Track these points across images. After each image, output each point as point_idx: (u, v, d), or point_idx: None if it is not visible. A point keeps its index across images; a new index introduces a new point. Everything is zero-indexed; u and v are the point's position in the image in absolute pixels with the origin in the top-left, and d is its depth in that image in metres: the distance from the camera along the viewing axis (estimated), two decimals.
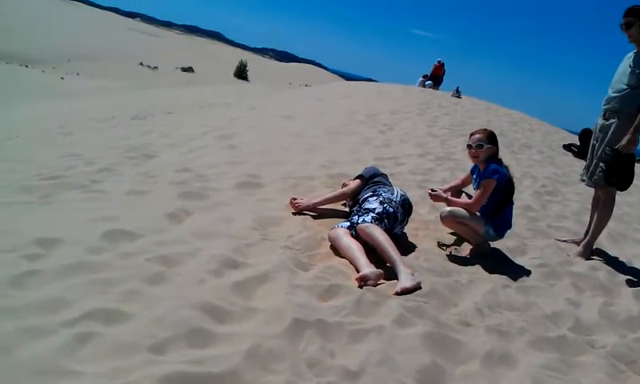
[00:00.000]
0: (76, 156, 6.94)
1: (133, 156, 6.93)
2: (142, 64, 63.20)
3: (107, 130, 11.21)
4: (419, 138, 10.25)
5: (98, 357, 2.48)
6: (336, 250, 4.19)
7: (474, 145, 4.89)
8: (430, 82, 24.76)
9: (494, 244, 5.03)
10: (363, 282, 3.67)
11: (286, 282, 3.49)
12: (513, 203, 4.94)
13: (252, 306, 3.15)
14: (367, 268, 3.78)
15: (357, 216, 4.47)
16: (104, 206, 4.64)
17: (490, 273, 4.44)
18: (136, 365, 2.43)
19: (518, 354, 3.28)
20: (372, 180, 5.05)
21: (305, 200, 5.04)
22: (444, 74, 25.86)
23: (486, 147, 4.85)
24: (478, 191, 4.73)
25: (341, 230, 4.27)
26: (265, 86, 35.08)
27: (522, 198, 7.28)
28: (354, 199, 4.99)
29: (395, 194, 4.78)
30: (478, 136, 4.93)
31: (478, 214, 4.74)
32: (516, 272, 4.62)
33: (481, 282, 4.21)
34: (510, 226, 4.95)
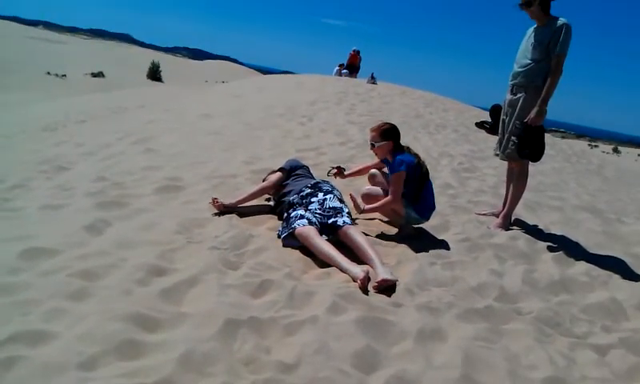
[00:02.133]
0: None
1: (45, 169, 6.62)
2: (49, 73, 60.22)
3: (16, 144, 10.65)
4: (339, 127, 10.35)
5: (26, 380, 2.38)
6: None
7: (371, 144, 5.03)
8: (346, 70, 25.02)
9: (420, 225, 5.15)
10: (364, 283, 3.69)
11: (216, 282, 3.45)
12: (431, 185, 5.06)
13: (182, 311, 3.10)
14: (358, 268, 3.82)
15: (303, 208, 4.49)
16: (18, 224, 4.42)
17: (417, 252, 4.54)
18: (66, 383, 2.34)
19: (448, 328, 3.38)
20: (294, 172, 5.06)
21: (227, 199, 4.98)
22: (360, 61, 26.18)
23: (378, 145, 4.95)
24: (391, 187, 4.79)
25: (311, 230, 4.20)
26: (180, 86, 34.40)
27: (441, 176, 7.50)
28: (278, 192, 4.97)
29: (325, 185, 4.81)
30: (370, 135, 5.03)
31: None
32: (441, 249, 4.75)
33: (408, 261, 4.30)
34: (433, 207, 5.08)
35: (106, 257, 3.72)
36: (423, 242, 4.86)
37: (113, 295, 3.17)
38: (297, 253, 4.13)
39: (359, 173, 5.46)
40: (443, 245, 4.89)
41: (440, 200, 6.18)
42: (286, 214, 4.54)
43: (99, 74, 58.69)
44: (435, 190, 6.33)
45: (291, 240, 4.23)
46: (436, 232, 5.21)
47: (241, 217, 4.81)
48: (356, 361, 2.83)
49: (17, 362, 2.49)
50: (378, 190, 5.14)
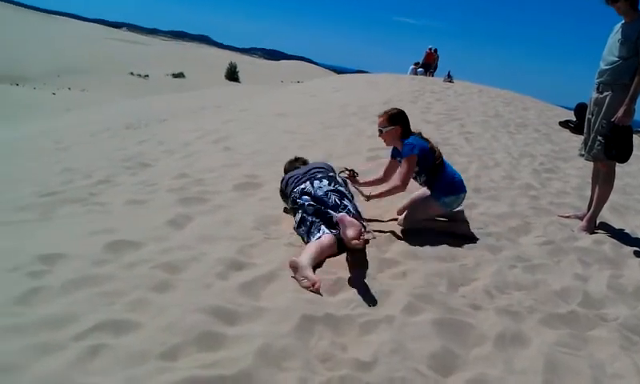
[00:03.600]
0: (73, 170, 6.93)
1: (130, 166, 6.91)
2: (132, 73, 63.03)
3: (102, 142, 11.16)
4: (414, 126, 10.20)
5: (110, 368, 2.47)
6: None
7: (379, 130, 4.84)
8: (421, 69, 24.71)
9: (494, 225, 5.01)
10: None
11: (293, 279, 3.48)
12: (449, 165, 4.88)
13: (260, 305, 3.14)
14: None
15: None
16: (104, 218, 4.63)
17: (496, 254, 4.42)
18: (148, 373, 2.42)
19: (530, 333, 3.27)
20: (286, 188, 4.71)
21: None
22: (437, 60, 25.80)
23: (387, 130, 4.77)
24: (401, 168, 4.62)
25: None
26: (256, 86, 35.03)
27: (521, 176, 7.26)
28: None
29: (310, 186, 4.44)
30: (378, 121, 4.84)
31: (428, 197, 4.74)
32: (521, 251, 4.60)
33: (487, 264, 4.20)
34: (460, 181, 4.84)
35: (188, 251, 3.83)
36: (502, 243, 4.72)
37: (194, 288, 3.27)
38: (372, 251, 4.11)
39: (377, 182, 5.02)
40: (524, 247, 4.73)
41: (521, 201, 5.99)
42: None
43: (179, 75, 60.64)
44: (515, 191, 6.16)
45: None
46: (516, 234, 5.05)
47: None
48: (433, 362, 2.79)
49: (102, 349, 2.60)
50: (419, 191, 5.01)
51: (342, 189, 4.46)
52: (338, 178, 4.65)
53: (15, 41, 77.53)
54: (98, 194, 5.49)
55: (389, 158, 5.04)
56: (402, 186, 4.57)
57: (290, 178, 4.69)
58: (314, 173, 4.58)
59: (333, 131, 9.24)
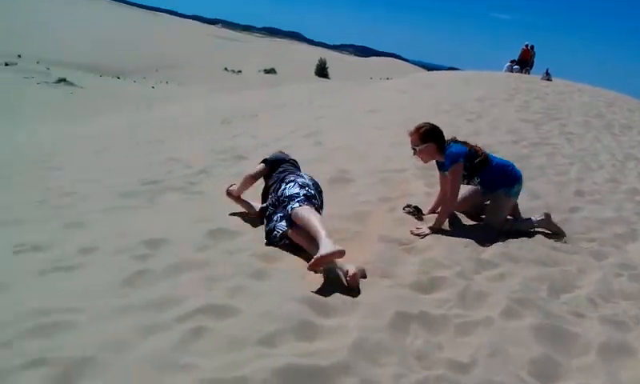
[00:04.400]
0: (174, 160, 7.21)
1: (225, 158, 7.11)
2: (226, 69, 64.92)
3: (199, 134, 11.57)
4: (510, 124, 9.90)
5: (211, 350, 2.55)
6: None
7: (412, 148, 4.62)
8: (517, 66, 23.87)
9: (598, 230, 4.76)
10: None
11: (386, 274, 3.46)
12: (496, 158, 4.70)
13: (354, 299, 3.14)
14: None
15: (282, 207, 3.99)
16: (203, 207, 4.78)
17: (600, 261, 4.20)
18: (248, 357, 2.48)
19: (636, 343, 3.10)
20: (279, 166, 4.59)
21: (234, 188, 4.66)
22: (533, 57, 24.83)
23: (421, 149, 4.56)
24: (449, 185, 4.45)
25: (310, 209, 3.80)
26: (346, 82, 35.15)
27: (627, 181, 6.86)
28: (266, 188, 4.54)
29: (307, 179, 4.27)
30: (411, 139, 4.61)
31: (498, 196, 4.58)
32: (628, 259, 4.36)
33: (591, 270, 4.00)
34: (513, 166, 4.70)
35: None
36: (607, 250, 4.48)
37: (290, 278, 3.32)
38: (467, 251, 4.02)
39: (438, 203, 4.83)
40: (630, 255, 4.47)
41: (626, 206, 5.67)
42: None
43: (271, 71, 61.73)
44: (620, 195, 5.85)
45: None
46: (622, 241, 4.78)
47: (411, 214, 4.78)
48: (533, 369, 2.69)
49: (203, 332, 2.69)
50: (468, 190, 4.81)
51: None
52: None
53: (117, 36, 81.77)
54: (197, 183, 5.70)
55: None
56: (454, 200, 4.46)
57: (282, 160, 4.67)
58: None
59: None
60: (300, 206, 3.75)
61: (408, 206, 4.79)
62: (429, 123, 4.64)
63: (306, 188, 4.04)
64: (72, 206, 5.59)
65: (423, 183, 5.55)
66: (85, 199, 5.78)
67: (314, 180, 4.31)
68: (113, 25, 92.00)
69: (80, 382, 2.33)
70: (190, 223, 4.27)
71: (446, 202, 4.50)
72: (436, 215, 4.52)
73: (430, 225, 4.38)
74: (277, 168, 4.53)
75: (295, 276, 3.35)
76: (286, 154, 4.89)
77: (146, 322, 2.81)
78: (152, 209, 4.93)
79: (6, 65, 40.11)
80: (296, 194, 3.94)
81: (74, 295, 3.16)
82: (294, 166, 4.71)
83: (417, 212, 4.74)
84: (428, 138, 4.52)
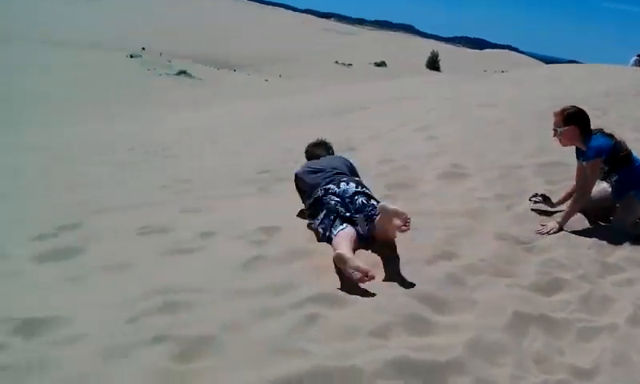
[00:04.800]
0: (287, 150, 7.39)
1: (337, 149, 7.16)
2: (337, 62, 65.37)
3: (311, 125, 11.77)
4: (638, 121, 9.22)
5: (324, 338, 2.60)
6: None
7: (553, 129, 4.38)
8: None
9: None
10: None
11: (503, 273, 3.35)
12: (637, 158, 4.30)
13: (469, 296, 3.08)
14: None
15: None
16: None
17: None
18: (360, 348, 2.51)
19: None
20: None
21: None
22: None
23: (562, 130, 4.28)
24: (588, 176, 4.19)
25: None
26: (458, 75, 34.31)
27: None
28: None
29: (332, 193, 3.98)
30: (554, 120, 4.37)
31: (630, 199, 4.23)
32: None
33: None
34: None
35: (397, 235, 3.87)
36: None
37: (403, 271, 3.30)
38: (591, 253, 3.81)
39: (570, 195, 4.56)
40: None
41: None
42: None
43: (382, 64, 61.42)
44: None
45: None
46: None
47: (527, 212, 4.60)
48: None
49: (317, 319, 2.75)
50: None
51: (368, 191, 4.08)
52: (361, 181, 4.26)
53: (232, 30, 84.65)
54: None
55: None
56: (587, 194, 4.23)
57: (309, 171, 4.33)
58: (339, 177, 4.15)
59: (543, 123, 8.69)
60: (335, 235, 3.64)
61: (535, 195, 4.60)
62: (575, 106, 4.47)
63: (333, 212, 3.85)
64: (191, 191, 5.89)
65: (543, 180, 5.31)
66: (203, 186, 6.08)
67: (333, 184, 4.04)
68: (230, 19, 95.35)
69: (200, 360, 2.45)
70: (301, 212, 4.36)
71: (578, 195, 4.28)
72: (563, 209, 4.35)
73: (558, 220, 4.20)
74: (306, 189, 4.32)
75: (409, 271, 3.32)
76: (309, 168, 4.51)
77: (262, 306, 2.91)
78: (266, 197, 5.10)
79: (131, 57, 42.68)
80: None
81: (194, 276, 3.34)
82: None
83: (545, 201, 4.55)
84: (571, 120, 4.35)
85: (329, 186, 4.02)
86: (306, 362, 2.37)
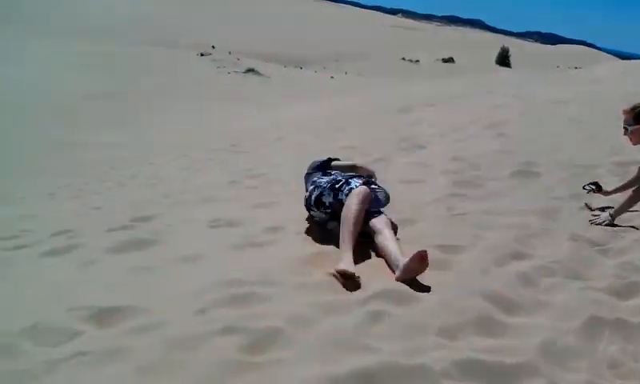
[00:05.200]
0: (352, 148, 7.40)
1: (404, 147, 7.14)
2: (404, 59, 64.86)
3: (376, 123, 11.72)
4: None
5: (390, 335, 2.59)
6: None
7: (623, 127, 4.18)
8: None
9: None
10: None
11: (577, 275, 3.25)
12: None
13: (541, 298, 2.99)
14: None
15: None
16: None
17: None
18: (427, 346, 2.48)
19: None
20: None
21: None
22: None
23: (633, 129, 4.08)
24: None
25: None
26: (530, 72, 33.35)
27: None
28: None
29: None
30: (624, 118, 4.15)
31: None
32: None
33: None
34: None
35: (463, 233, 3.82)
36: None
37: (471, 271, 3.25)
38: None
39: (624, 188, 4.43)
40: None
41: None
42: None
43: (449, 60, 60.53)
44: None
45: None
46: None
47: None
48: None
49: (383, 316, 2.74)
50: None
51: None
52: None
53: (301, 28, 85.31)
54: (377, 172, 5.78)
55: None
56: None
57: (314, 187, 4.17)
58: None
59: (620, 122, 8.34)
60: None
61: (589, 183, 4.50)
62: None
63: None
64: (259, 187, 6.00)
65: (618, 180, 5.11)
66: (270, 182, 6.17)
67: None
68: (297, 17, 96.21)
69: (268, 352, 2.49)
70: None
71: (632, 195, 4.10)
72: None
73: (611, 211, 4.09)
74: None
75: (477, 269, 3.27)
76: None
77: (328, 301, 2.93)
78: None
79: (202, 55, 43.77)
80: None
81: (264, 270, 3.40)
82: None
83: (597, 188, 4.45)
84: None
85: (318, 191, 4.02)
86: (374, 359, 2.37)
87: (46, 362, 2.51)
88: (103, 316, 2.94)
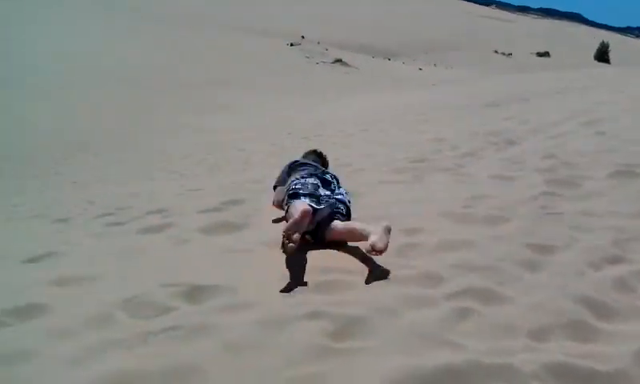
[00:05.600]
0: (440, 141, 7.28)
1: (495, 142, 6.94)
2: (496, 51, 63.06)
3: (464, 116, 11.48)
4: None
5: (477, 333, 2.54)
6: None
7: None
8: None
9: None
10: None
11: None
12: None
13: (638, 305, 2.83)
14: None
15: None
16: (471, 189, 4.76)
17: None
18: (516, 348, 2.41)
19: None
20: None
21: None
22: None
23: None
24: None
25: None
26: (632, 68, 31.54)
27: None
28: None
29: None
30: None
31: None
32: None
33: None
34: None
35: (559, 234, 3.67)
36: None
37: (565, 273, 3.12)
38: None
39: None
40: None
41: None
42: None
43: (545, 54, 58.33)
44: None
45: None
46: None
47: None
48: None
49: (470, 314, 2.69)
50: None
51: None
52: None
53: (391, 18, 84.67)
54: (464, 166, 5.67)
55: None
56: None
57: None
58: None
59: None
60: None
61: None
62: None
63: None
64: (348, 176, 6.01)
65: None
66: (359, 171, 6.17)
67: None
68: (386, 7, 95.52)
69: (352, 340, 2.51)
70: (456, 203, 4.28)
71: None
72: None
73: None
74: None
75: (572, 272, 3.13)
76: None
77: (414, 294, 2.91)
78: (420, 185, 5.07)
79: (291, 45, 44.40)
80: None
81: (350, 259, 3.42)
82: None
83: None
84: None
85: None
86: (459, 356, 2.33)
87: (139, 334, 2.64)
88: (195, 293, 3.07)
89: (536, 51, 62.88)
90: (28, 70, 25.93)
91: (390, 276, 3.13)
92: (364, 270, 3.23)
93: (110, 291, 3.19)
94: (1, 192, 9.78)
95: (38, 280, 3.51)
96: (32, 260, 4.11)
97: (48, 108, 20.03)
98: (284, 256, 3.53)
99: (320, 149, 4.99)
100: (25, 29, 35.19)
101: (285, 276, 3.22)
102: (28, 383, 2.36)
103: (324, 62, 36.94)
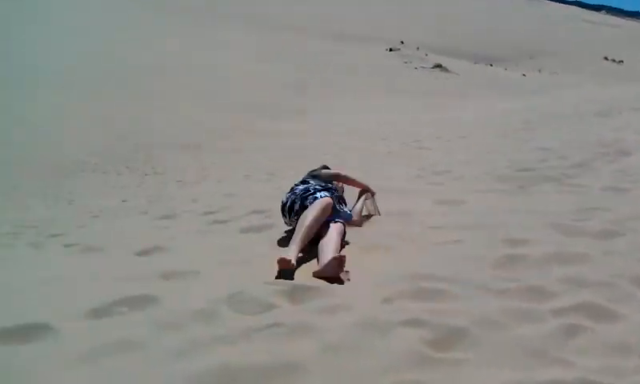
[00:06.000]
0: (546, 150, 7.00)
1: (606, 152, 6.58)
2: (606, 58, 59.77)
3: (571, 125, 10.96)
4: None
5: (587, 351, 2.40)
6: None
7: None
8: None
9: None
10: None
11: None
12: None
13: None
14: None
15: None
16: (582, 201, 4.52)
17: None
18: (630, 368, 2.26)
19: None
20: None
21: None
22: None
23: None
24: None
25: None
26: None
27: None
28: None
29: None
30: None
31: None
32: None
33: None
34: None
35: None
36: None
37: None
38: None
39: None
40: None
41: None
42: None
43: None
44: None
45: None
46: None
47: None
48: None
49: (580, 331, 2.54)
50: None
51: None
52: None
53: (495, 24, 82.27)
54: (574, 177, 5.41)
55: None
56: None
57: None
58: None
59: None
60: None
61: None
62: None
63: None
64: (444, 183, 5.90)
65: None
66: (457, 179, 6.04)
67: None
68: (489, 11, 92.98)
69: (452, 350, 2.44)
70: (566, 215, 4.08)
71: None
72: None
73: None
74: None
75: None
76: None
77: (518, 307, 2.80)
78: (524, 195, 4.88)
79: (390, 50, 44.25)
80: None
81: (449, 267, 3.35)
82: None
83: None
84: None
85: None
86: (568, 373, 2.21)
87: (243, 330, 2.71)
88: (296, 293, 3.11)
89: None
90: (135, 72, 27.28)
91: (492, 287, 3.03)
92: (464, 280, 3.15)
93: (215, 287, 3.30)
94: (100, 188, 10.32)
95: (148, 272, 3.68)
96: (142, 253, 4.33)
97: (158, 109, 20.99)
98: (378, 260, 3.51)
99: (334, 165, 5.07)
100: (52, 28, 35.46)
101: (384, 281, 3.20)
102: (136, 372, 2.46)
103: (423, 67, 36.52)
